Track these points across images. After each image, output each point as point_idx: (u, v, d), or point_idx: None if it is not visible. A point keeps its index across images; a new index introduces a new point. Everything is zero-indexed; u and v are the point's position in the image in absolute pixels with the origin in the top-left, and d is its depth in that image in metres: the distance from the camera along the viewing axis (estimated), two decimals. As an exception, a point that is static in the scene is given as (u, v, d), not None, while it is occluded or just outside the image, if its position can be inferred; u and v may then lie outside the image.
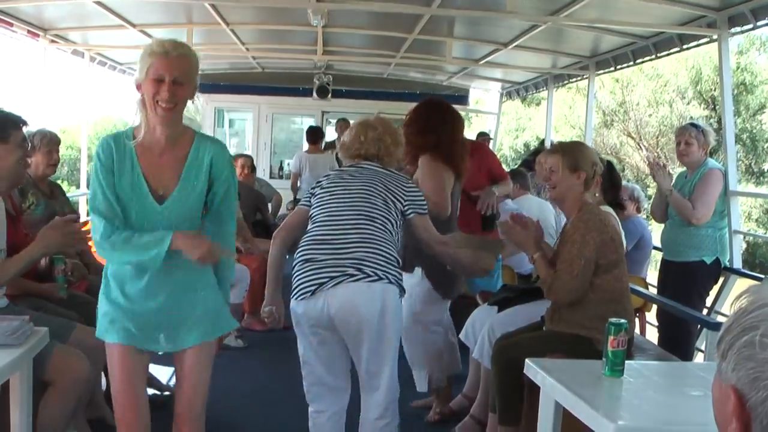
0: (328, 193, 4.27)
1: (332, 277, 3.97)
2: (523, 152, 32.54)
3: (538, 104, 34.80)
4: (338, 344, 4.14)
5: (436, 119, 5.38)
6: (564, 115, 34.04)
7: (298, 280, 4.05)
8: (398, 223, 4.26)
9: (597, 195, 4.96)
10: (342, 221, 4.15)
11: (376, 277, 3.98)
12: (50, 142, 5.56)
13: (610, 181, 5.35)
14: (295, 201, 11.93)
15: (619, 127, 35.16)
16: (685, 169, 6.60)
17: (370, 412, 4.18)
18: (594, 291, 4.38)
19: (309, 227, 4.23)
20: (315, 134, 12.47)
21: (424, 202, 4.40)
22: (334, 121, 15.58)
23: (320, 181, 4.41)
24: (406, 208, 4.28)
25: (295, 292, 4.05)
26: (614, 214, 5.00)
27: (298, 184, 12.08)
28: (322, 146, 12.77)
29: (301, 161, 12.01)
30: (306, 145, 12.95)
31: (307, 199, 4.37)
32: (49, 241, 3.99)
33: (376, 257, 4.03)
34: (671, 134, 22.22)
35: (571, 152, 4.62)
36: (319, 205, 4.25)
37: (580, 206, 4.51)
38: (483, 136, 13.89)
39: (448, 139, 5.27)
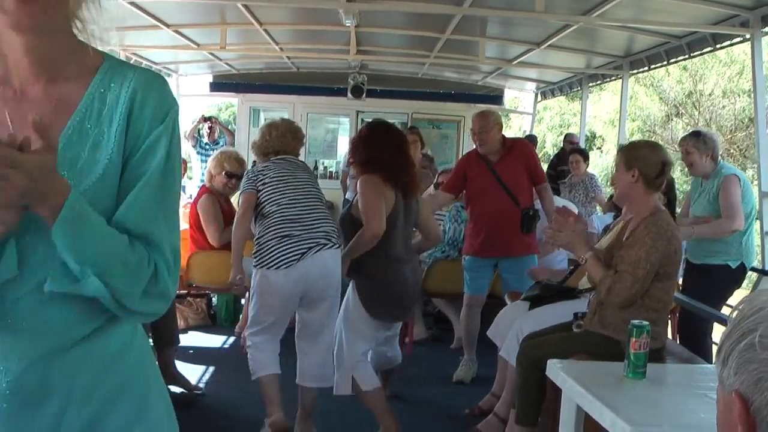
0: (281, 182, 5.19)
1: (310, 247, 4.99)
2: (568, 150, 31.33)
3: (581, 99, 33.63)
4: (294, 307, 5.17)
5: (374, 139, 5.25)
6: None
7: (280, 254, 4.99)
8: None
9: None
10: (305, 203, 5.16)
11: (337, 245, 5.12)
12: None
13: (668, 198, 5.26)
14: (345, 200, 11.99)
15: (688, 121, 31.47)
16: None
17: (316, 355, 5.17)
18: (643, 297, 4.34)
19: (272, 209, 5.10)
20: None
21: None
22: (369, 120, 15.58)
23: (263, 172, 5.25)
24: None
25: (276, 263, 4.98)
26: None
27: (348, 183, 12.10)
28: None
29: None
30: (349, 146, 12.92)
31: (254, 186, 5.19)
32: None
33: (334, 229, 5.18)
34: (751, 128, 21.16)
35: (626, 151, 4.54)
36: (277, 191, 5.15)
37: (653, 210, 4.41)
38: (531, 140, 13.79)
39: (389, 158, 5.12)
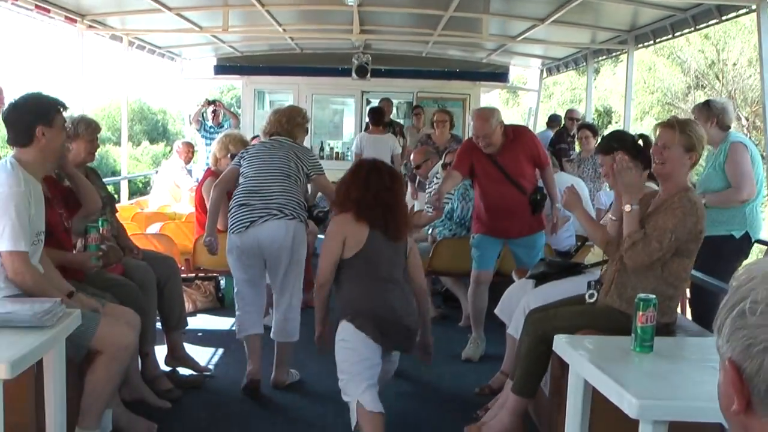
0: (256, 158, 5.90)
1: (261, 216, 5.64)
2: (577, 126, 29.74)
3: (596, 72, 32.27)
4: (259, 267, 5.82)
5: (359, 181, 5.14)
6: (642, 80, 30.93)
7: (235, 219, 5.73)
8: (304, 180, 5.92)
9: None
10: (267, 177, 5.78)
11: (291, 217, 5.68)
12: (94, 130, 5.60)
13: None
14: None
15: (710, 92, 29.78)
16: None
17: (279, 313, 5.91)
18: (662, 269, 4.30)
19: (240, 181, 5.85)
20: (377, 115, 12.40)
21: (321, 165, 6.08)
22: (374, 101, 15.59)
23: (248, 150, 6.10)
24: (309, 171, 5.93)
25: (232, 227, 5.74)
26: None
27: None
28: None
29: (362, 142, 12.01)
30: (355, 126, 12.90)
31: (237, 161, 6.00)
32: None
33: (290, 203, 5.70)
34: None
35: (690, 132, 4.38)
36: (249, 166, 5.86)
37: (687, 187, 4.37)
38: (554, 120, 13.66)
39: (371, 198, 5.02)
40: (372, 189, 5.03)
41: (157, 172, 12.98)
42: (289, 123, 6.07)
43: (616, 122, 31.03)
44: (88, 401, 4.09)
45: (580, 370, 3.44)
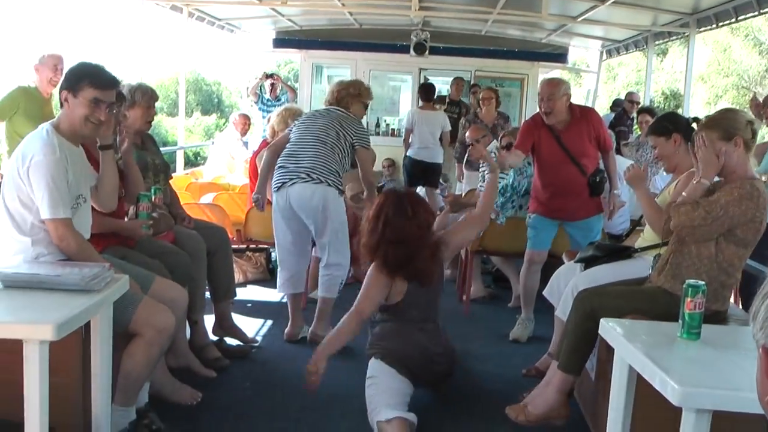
0: (302, 124, 6.37)
1: (291, 178, 6.07)
2: (637, 110, 28.09)
3: (663, 53, 30.96)
4: (299, 223, 6.21)
5: (378, 224, 4.88)
6: (716, 61, 30.09)
7: (273, 179, 6.23)
8: (346, 150, 6.22)
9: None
10: (304, 142, 6.19)
11: (318, 181, 6.02)
12: (150, 98, 5.62)
13: None
14: (406, 157, 12.05)
15: None
16: None
17: (323, 270, 6.35)
18: (717, 255, 4.23)
19: (287, 146, 6.27)
20: (427, 91, 12.41)
21: (367, 138, 6.41)
22: (432, 78, 15.54)
23: (300, 118, 6.59)
24: (354, 141, 6.24)
25: (272, 186, 6.24)
26: None
27: (410, 140, 12.11)
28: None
29: (413, 117, 12.04)
30: (412, 103, 12.93)
31: (290, 128, 6.48)
32: None
33: (319, 167, 6.04)
34: None
35: (717, 124, 4.29)
36: (295, 132, 6.33)
37: (751, 176, 4.24)
38: (631, 96, 13.41)
39: (392, 252, 4.81)
40: (388, 236, 4.79)
41: (213, 143, 13.07)
42: (341, 93, 6.45)
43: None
44: (125, 382, 4.09)
45: (625, 354, 3.40)
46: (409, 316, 4.91)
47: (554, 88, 6.29)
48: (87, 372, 3.73)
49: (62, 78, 4.27)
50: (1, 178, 7.57)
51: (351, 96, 6.44)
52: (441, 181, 12.32)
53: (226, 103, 48.44)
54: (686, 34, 11.66)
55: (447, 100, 13.40)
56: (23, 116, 7.37)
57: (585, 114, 6.49)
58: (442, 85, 15.70)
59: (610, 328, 3.61)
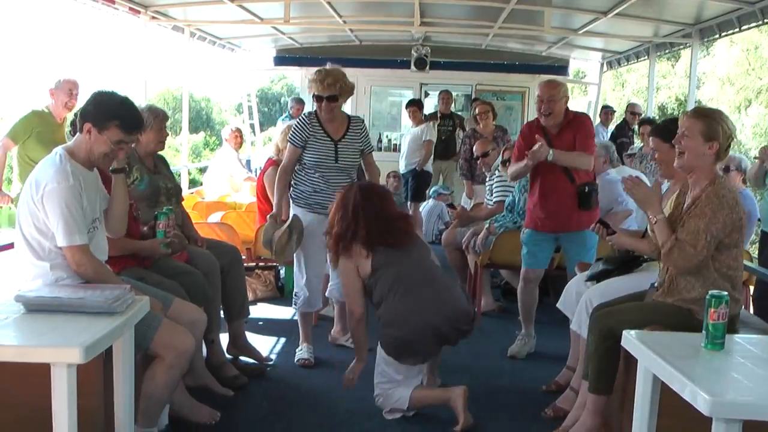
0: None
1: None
2: (658, 116, 25.38)
3: (676, 59, 30.52)
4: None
5: (349, 212, 5.25)
6: (746, 61, 29.33)
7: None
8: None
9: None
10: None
11: None
12: (162, 120, 5.65)
13: None
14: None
15: None
16: None
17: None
18: (715, 267, 4.25)
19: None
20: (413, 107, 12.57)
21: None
22: (432, 93, 15.60)
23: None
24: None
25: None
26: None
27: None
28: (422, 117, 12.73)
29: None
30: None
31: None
32: None
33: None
34: None
35: (710, 119, 4.30)
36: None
37: (713, 179, 4.29)
38: (632, 107, 13.46)
39: (364, 231, 5.17)
40: (367, 217, 5.17)
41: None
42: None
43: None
44: (147, 403, 4.11)
45: (650, 365, 3.39)
46: (410, 282, 5.04)
47: (555, 90, 6.26)
48: (109, 394, 3.72)
49: (88, 106, 4.21)
50: (10, 201, 7.69)
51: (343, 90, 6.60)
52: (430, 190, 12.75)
53: (217, 120, 47.84)
54: (688, 45, 11.68)
55: (438, 115, 13.39)
56: (36, 140, 7.43)
57: (578, 119, 6.41)
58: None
59: (632, 340, 3.61)
